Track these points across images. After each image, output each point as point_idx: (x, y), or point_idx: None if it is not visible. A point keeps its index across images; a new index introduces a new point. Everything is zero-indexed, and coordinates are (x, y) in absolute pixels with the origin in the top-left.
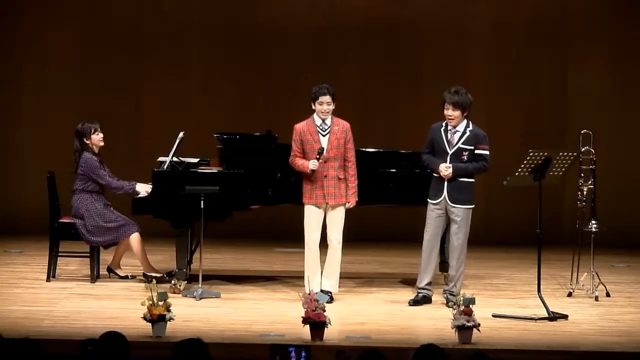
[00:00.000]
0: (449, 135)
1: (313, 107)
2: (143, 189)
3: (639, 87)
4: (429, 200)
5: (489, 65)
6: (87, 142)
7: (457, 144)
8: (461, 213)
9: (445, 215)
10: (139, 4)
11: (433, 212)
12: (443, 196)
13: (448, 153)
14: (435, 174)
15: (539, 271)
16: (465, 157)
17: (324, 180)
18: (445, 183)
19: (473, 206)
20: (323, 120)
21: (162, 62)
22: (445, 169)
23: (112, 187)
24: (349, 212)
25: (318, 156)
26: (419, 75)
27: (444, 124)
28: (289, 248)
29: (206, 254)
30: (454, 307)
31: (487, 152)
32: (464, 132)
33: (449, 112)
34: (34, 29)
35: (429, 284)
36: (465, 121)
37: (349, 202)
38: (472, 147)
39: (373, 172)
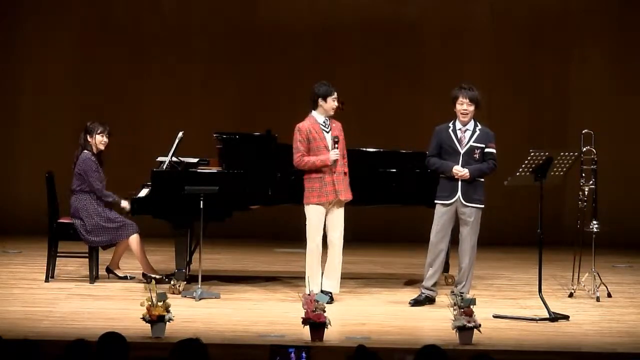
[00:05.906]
0: (459, 135)
1: (321, 103)
2: (127, 205)
3: (639, 87)
4: (438, 201)
5: (489, 65)
6: (90, 140)
7: (468, 142)
8: (474, 213)
9: (455, 217)
10: (139, 4)
11: (444, 214)
12: (457, 196)
13: (460, 152)
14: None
15: (540, 271)
16: (477, 156)
17: (334, 175)
18: (460, 183)
19: (484, 206)
20: (325, 118)
21: (162, 62)
22: (461, 170)
23: (98, 192)
24: (349, 213)
25: (335, 145)
26: (419, 75)
27: (451, 125)
28: (289, 248)
29: (206, 254)
30: (455, 307)
31: (495, 151)
32: (474, 131)
33: (464, 106)
34: (34, 29)
35: (435, 284)
36: (472, 120)
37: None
38: (483, 145)
39: (373, 172)
